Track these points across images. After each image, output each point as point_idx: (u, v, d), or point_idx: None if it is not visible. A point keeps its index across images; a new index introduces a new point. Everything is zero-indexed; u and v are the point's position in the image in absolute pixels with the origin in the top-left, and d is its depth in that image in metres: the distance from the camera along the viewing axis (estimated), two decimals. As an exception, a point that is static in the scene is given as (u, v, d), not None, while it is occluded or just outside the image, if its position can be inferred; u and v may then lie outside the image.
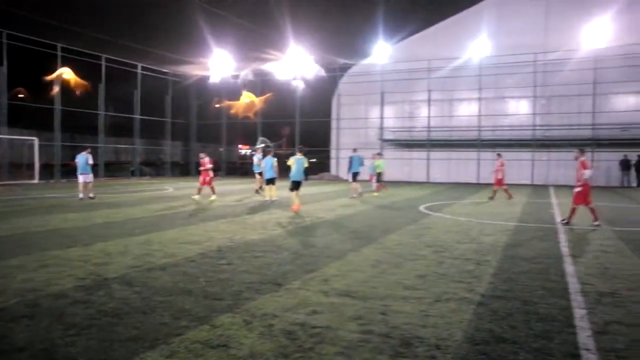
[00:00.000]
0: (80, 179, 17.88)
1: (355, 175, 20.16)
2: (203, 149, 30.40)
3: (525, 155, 31.10)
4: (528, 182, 30.82)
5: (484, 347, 4.23)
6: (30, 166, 27.76)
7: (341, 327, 4.67)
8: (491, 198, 19.03)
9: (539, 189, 26.56)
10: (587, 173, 11.78)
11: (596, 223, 11.65)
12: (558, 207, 16.71)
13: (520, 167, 31.35)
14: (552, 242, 9.57)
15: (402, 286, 6.20)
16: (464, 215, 14.23)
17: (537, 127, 31.06)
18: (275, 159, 17.54)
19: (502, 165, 19.15)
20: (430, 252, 8.52)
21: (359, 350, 4.12)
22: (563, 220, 12.27)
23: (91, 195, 17.98)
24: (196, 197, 17.60)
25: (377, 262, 7.64)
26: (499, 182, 19.07)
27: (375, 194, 21.45)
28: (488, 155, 32.22)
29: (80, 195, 17.84)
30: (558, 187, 28.12)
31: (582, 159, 12.04)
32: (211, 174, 18.20)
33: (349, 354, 4.05)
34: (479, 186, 29.43)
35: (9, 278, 6.41)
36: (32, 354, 3.99)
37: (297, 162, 14.93)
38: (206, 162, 18.06)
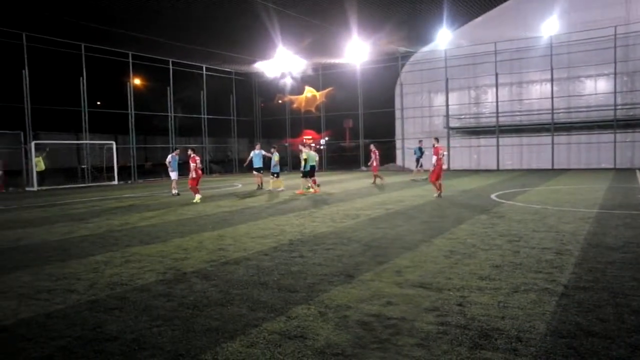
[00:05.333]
0: (173, 176, 19.51)
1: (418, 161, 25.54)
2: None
3: (606, 137, 29.17)
4: (610, 165, 28.92)
5: (570, 340, 4.01)
6: (109, 169, 29.48)
7: (417, 319, 4.60)
8: (374, 183, 22.14)
9: (623, 173, 24.84)
10: (434, 158, 15.56)
11: (435, 195, 15.60)
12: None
13: (600, 150, 29.47)
14: (640, 229, 8.93)
15: (477, 277, 6.02)
16: (539, 202, 13.59)
17: (619, 107, 28.98)
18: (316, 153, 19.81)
19: (375, 154, 22.33)
20: (504, 241, 8.21)
21: (438, 342, 4.04)
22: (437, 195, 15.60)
23: (174, 192, 19.44)
24: (197, 199, 16.46)
25: (450, 252, 7.46)
26: (375, 168, 22.39)
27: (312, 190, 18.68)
28: (563, 139, 30.63)
29: (174, 192, 19.45)
30: (643, 170, 26.17)
31: (437, 145, 15.73)
32: (195, 173, 16.55)
33: (427, 345, 3.99)
34: (554, 172, 27.99)
35: (99, 273, 6.85)
36: (124, 342, 4.25)
37: (257, 156, 20.75)
38: (197, 160, 16.64)
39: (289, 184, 21.92)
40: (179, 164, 19.90)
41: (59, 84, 29.67)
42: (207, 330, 4.47)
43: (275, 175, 20.22)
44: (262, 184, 21.11)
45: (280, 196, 17.66)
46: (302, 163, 18.63)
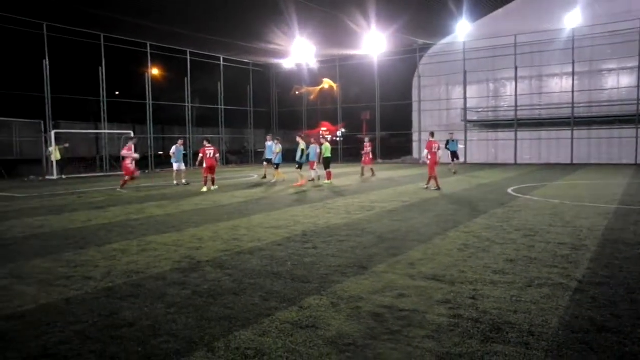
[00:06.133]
0: (175, 167, 19.74)
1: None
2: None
3: (628, 132, 28.61)
4: (631, 161, 28.38)
5: (583, 335, 3.99)
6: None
7: (429, 311, 4.61)
8: (372, 175, 22.28)
9: (643, 168, 24.37)
10: (425, 152, 16.27)
11: (425, 186, 16.20)
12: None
13: (621, 145, 28.91)
14: (660, 225, 8.77)
15: (491, 270, 6.00)
16: (557, 197, 13.43)
17: (642, 101, 28.36)
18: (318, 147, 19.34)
19: (370, 146, 22.43)
20: (520, 236, 8.14)
21: (449, 334, 4.05)
22: (426, 187, 16.06)
23: (184, 181, 19.76)
24: (205, 189, 17.03)
25: (464, 245, 7.44)
26: (368, 162, 22.39)
27: (327, 182, 18.83)
28: (583, 133, 30.12)
29: (175, 182, 19.83)
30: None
31: (431, 140, 16.23)
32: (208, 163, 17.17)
33: (438, 337, 4.00)
34: (573, 167, 27.58)
35: (115, 261, 6.98)
36: (140, 329, 4.34)
37: (269, 147, 20.95)
38: (205, 151, 17.24)
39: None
40: (184, 154, 20.11)
41: (79, 74, 30.05)
42: (220, 319, 4.54)
43: (275, 166, 20.48)
44: (277, 176, 21.30)
45: (288, 188, 17.71)
46: (299, 154, 18.90)
